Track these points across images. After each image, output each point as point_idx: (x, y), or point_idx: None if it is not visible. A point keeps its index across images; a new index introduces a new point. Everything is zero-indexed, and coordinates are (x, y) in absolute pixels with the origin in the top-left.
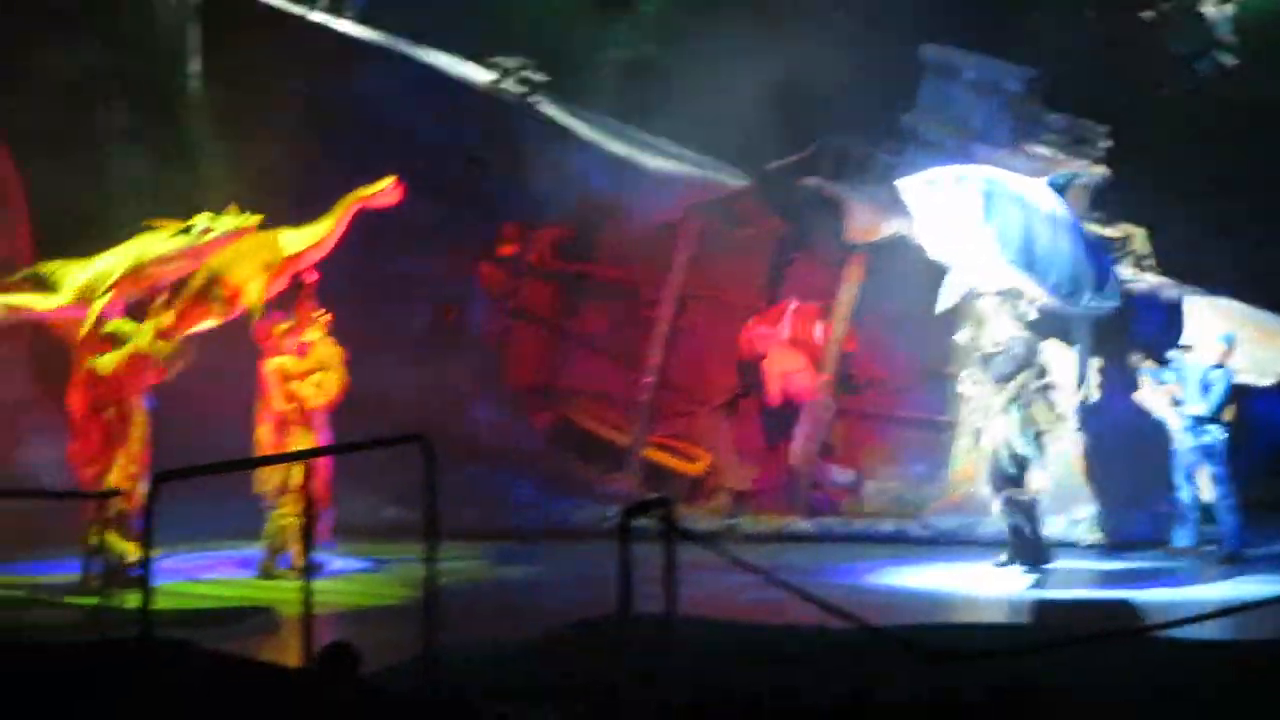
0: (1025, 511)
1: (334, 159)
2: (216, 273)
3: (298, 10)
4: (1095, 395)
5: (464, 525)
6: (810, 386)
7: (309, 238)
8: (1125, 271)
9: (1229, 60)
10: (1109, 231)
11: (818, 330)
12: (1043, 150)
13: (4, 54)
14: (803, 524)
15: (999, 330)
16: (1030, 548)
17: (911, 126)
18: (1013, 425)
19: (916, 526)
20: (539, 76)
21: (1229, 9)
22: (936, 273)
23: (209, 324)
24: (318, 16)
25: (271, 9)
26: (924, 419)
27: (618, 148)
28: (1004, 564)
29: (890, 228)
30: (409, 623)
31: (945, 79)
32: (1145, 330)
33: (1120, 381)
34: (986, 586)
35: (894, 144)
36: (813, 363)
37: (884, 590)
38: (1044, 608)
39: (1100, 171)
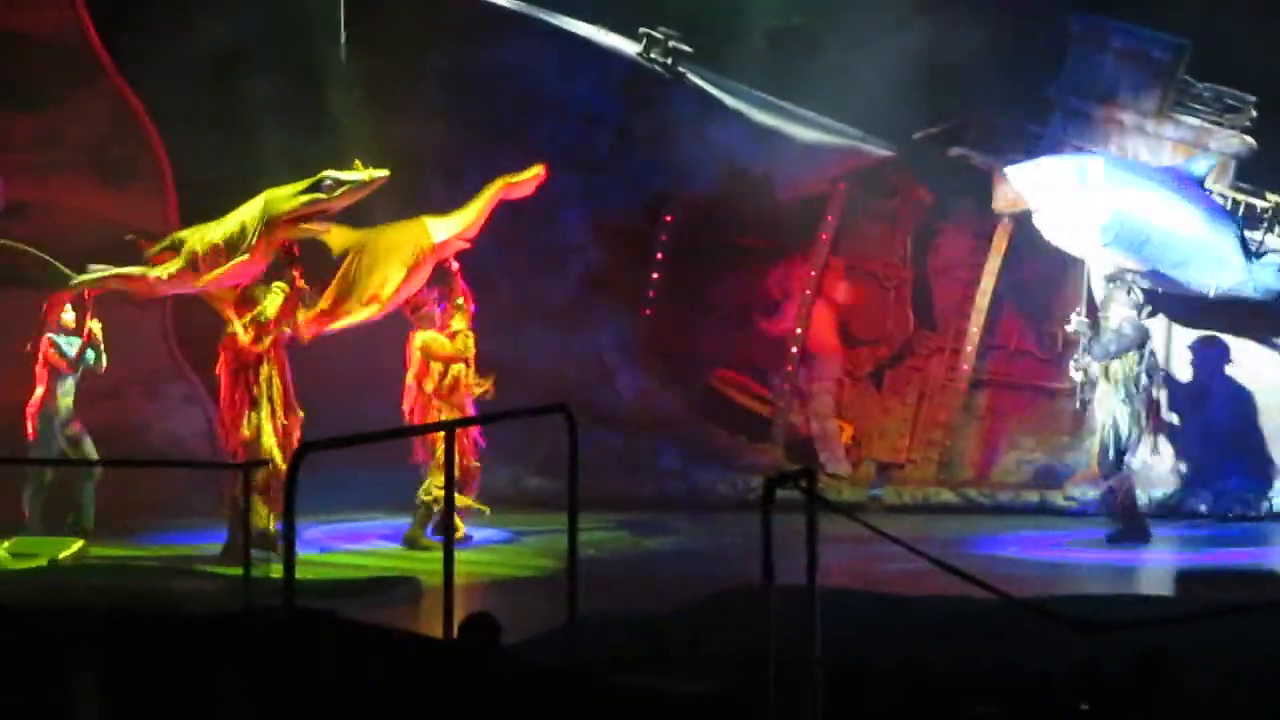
0: (1126, 492)
1: (479, 130)
2: (368, 267)
3: None
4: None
5: (607, 495)
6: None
7: (454, 226)
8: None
9: None
10: (1258, 203)
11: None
12: (1190, 120)
13: (148, 27)
14: (947, 495)
15: (1113, 314)
16: (1134, 528)
17: (1058, 96)
18: (1119, 408)
19: (1060, 498)
20: (686, 47)
21: None
22: None
23: (357, 319)
24: None
25: None
26: (1068, 390)
27: (764, 118)
28: (1112, 540)
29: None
30: (551, 593)
31: (1092, 48)
32: None
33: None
34: (1127, 557)
35: (1040, 114)
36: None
37: (1027, 561)
38: (1187, 577)
39: (1248, 142)
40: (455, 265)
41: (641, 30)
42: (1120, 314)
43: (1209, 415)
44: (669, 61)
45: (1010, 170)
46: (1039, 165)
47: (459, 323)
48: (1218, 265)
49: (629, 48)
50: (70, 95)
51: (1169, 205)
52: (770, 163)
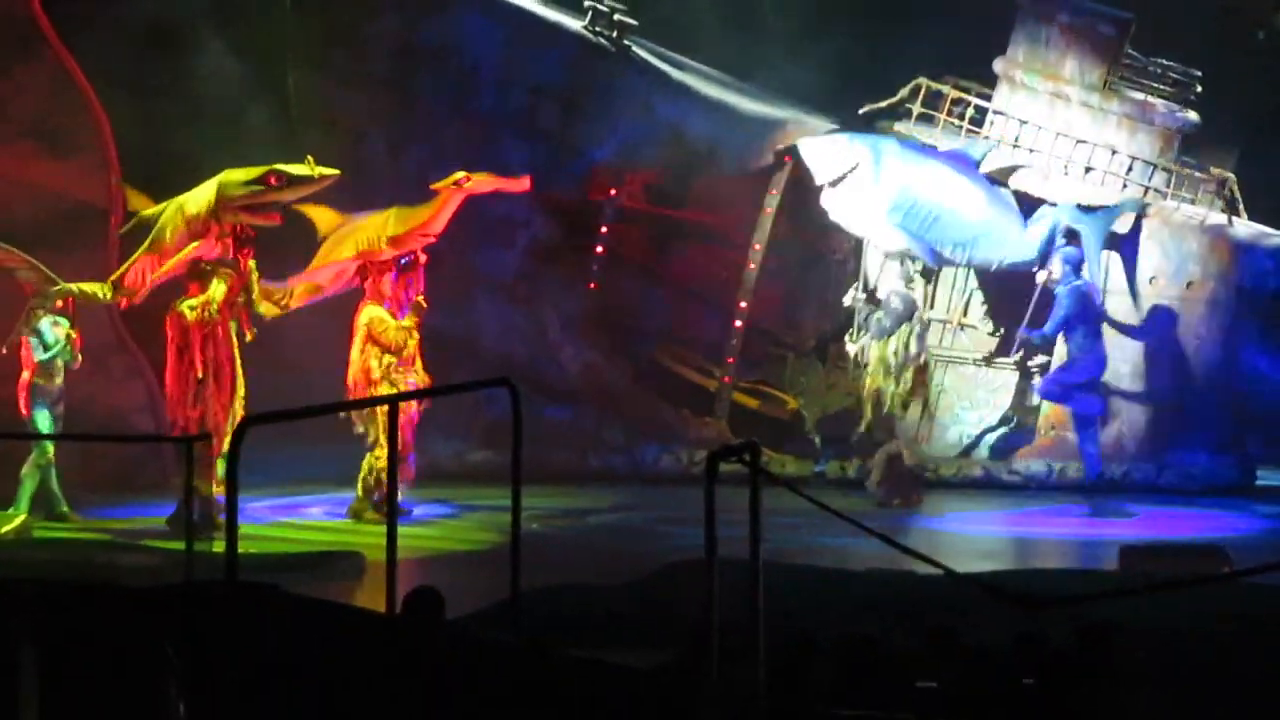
0: (896, 458)
1: (425, 101)
2: (321, 256)
3: None
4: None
5: (551, 469)
6: None
7: (413, 221)
8: (1219, 216)
9: None
10: (1200, 175)
11: None
12: (1135, 94)
13: None
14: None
15: (882, 287)
16: (902, 486)
17: (1004, 70)
18: (884, 380)
19: (1005, 471)
20: (631, 20)
21: None
22: None
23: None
24: None
25: None
26: (993, 361)
27: (710, 91)
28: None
29: None
30: (496, 568)
31: (1039, 23)
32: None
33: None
34: (1070, 529)
35: (987, 87)
36: None
37: (970, 535)
38: (1130, 551)
39: (1192, 117)
40: (423, 258)
41: (587, 4)
42: (889, 286)
43: (1154, 388)
44: (614, 35)
45: (803, 144)
46: (834, 141)
47: (409, 320)
48: (1000, 243)
49: (574, 22)
50: (12, 66)
51: (956, 187)
52: (716, 136)
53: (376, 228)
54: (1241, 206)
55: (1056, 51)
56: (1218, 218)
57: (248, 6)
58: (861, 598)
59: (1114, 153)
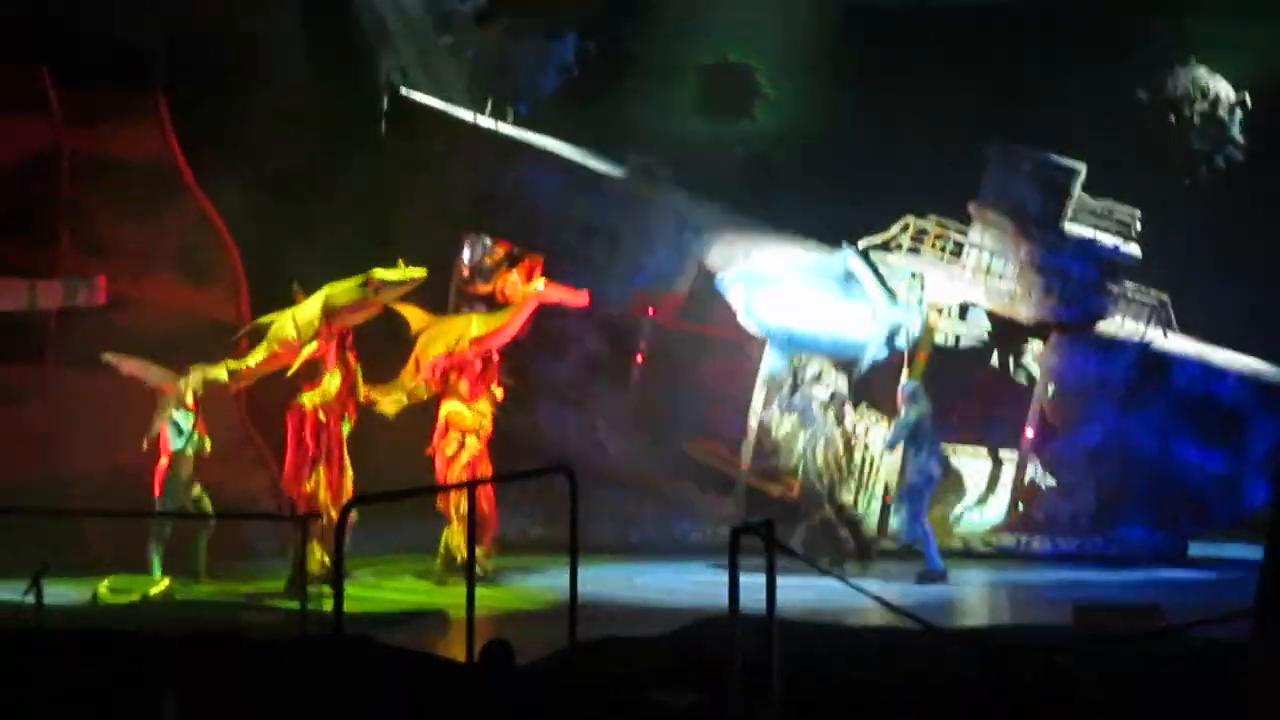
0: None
1: (500, 236)
2: (417, 355)
3: (468, 117)
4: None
5: (601, 541)
6: None
7: (492, 325)
8: (1156, 331)
9: (1238, 156)
10: (1144, 297)
11: None
12: (1086, 231)
13: (224, 150)
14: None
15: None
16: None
17: (977, 210)
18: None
19: (980, 544)
20: (664, 171)
21: (1239, 115)
22: None
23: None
24: (485, 122)
25: (447, 116)
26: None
27: (729, 229)
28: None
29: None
30: (556, 623)
31: (1006, 171)
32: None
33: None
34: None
35: (964, 223)
36: None
37: (944, 597)
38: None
39: (1134, 250)
40: (496, 358)
41: (630, 158)
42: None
43: (1103, 476)
44: (651, 182)
45: (721, 284)
46: (738, 283)
47: (484, 405)
48: (861, 348)
49: (616, 171)
50: (161, 210)
51: (825, 307)
52: (734, 266)
53: (460, 329)
54: (1174, 323)
55: (1019, 194)
56: (1155, 333)
57: (354, 162)
58: (855, 647)
59: (1067, 279)
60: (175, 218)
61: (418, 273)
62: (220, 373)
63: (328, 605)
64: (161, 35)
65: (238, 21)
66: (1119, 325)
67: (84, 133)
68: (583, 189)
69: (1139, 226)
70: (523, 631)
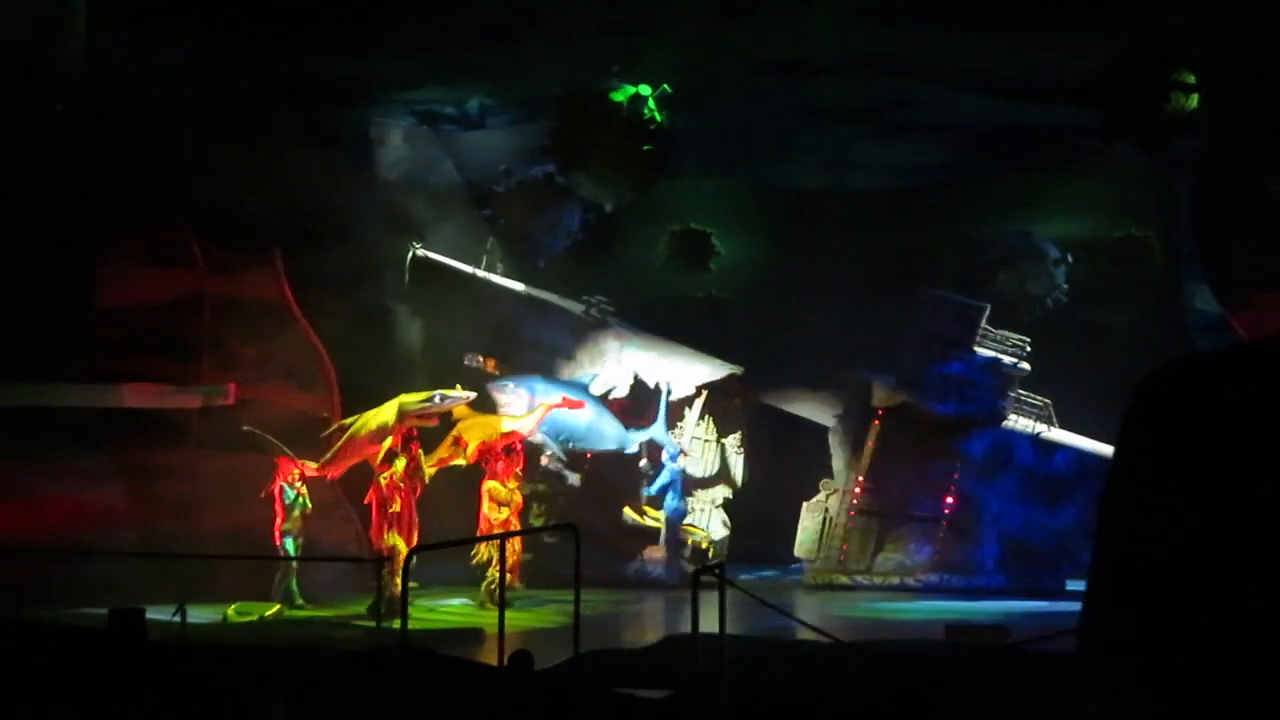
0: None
1: (499, 359)
2: (458, 434)
3: (469, 269)
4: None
5: (597, 578)
6: None
7: (517, 421)
8: (1043, 426)
9: (1063, 298)
10: (1032, 402)
11: None
12: (989, 352)
13: (319, 289)
14: (842, 578)
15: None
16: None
17: (910, 340)
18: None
19: (911, 580)
20: (611, 308)
21: (1062, 270)
22: None
23: (456, 463)
24: (482, 274)
25: (453, 269)
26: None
27: (664, 350)
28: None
29: None
30: (564, 638)
31: (930, 310)
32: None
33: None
34: (919, 615)
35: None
36: None
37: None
38: (953, 627)
39: (1025, 368)
40: (519, 445)
41: (584, 299)
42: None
43: (1004, 530)
44: (599, 315)
45: (495, 394)
46: (511, 391)
47: (513, 483)
48: (618, 442)
49: (575, 305)
50: (274, 335)
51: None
52: (663, 378)
53: (493, 425)
54: (1055, 420)
55: (941, 326)
56: (1042, 427)
57: (425, 298)
58: (794, 658)
59: (975, 386)
60: (286, 341)
61: (469, 394)
62: (313, 466)
63: (396, 624)
64: (276, 208)
65: (331, 197)
66: (1014, 421)
67: (220, 280)
68: (545, 322)
69: (1028, 349)
70: (540, 644)
